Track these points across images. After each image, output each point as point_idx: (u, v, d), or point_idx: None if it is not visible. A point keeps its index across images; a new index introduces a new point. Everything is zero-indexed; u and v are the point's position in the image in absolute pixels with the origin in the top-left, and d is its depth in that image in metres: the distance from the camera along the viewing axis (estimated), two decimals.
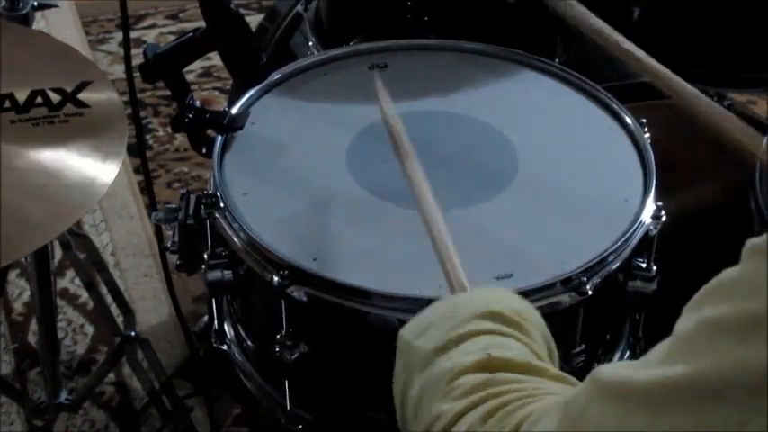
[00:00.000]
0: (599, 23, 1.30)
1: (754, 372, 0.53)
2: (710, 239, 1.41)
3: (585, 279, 1.10)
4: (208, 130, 1.29)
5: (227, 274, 1.21)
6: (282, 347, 1.15)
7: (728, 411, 0.55)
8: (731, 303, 0.56)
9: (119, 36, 2.70)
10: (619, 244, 1.14)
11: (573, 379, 0.77)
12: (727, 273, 0.58)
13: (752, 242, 0.57)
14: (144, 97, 2.46)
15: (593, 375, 0.63)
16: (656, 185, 1.21)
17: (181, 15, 2.83)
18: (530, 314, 0.83)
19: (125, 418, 1.77)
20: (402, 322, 1.07)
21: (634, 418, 0.58)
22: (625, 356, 1.27)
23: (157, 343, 1.76)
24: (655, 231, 1.18)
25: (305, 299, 1.11)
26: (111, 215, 2.18)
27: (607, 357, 1.26)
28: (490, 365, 0.74)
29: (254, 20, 2.00)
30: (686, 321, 0.59)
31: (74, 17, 2.78)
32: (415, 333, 0.82)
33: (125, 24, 1.35)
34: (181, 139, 2.37)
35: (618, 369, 0.62)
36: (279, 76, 1.39)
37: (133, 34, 2.61)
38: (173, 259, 1.31)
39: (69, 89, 1.23)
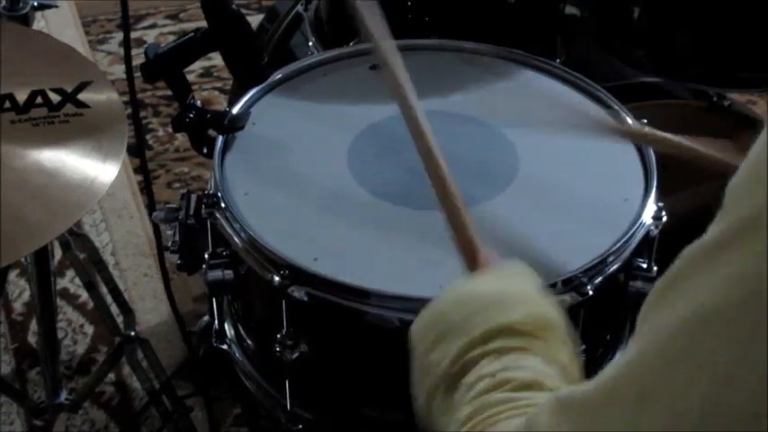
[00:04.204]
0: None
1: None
2: None
3: (586, 279, 1.10)
4: (209, 130, 1.29)
5: (228, 273, 1.21)
6: (283, 347, 1.15)
7: (655, 413, 0.57)
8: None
9: (119, 36, 2.70)
10: (619, 244, 1.14)
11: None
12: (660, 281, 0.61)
13: (691, 247, 0.59)
14: (144, 97, 2.46)
15: (553, 393, 0.67)
16: (657, 185, 1.21)
17: (181, 15, 2.83)
18: (542, 314, 0.82)
19: (125, 418, 1.77)
20: (402, 322, 1.08)
21: (577, 428, 0.62)
22: None
23: (157, 343, 1.76)
24: (656, 231, 1.18)
25: (305, 298, 1.11)
26: (111, 215, 2.18)
27: (607, 357, 1.26)
28: (496, 386, 0.75)
29: (254, 20, 2.00)
30: (633, 343, 0.62)
31: (74, 17, 2.78)
32: (428, 340, 0.81)
33: (125, 24, 1.35)
34: (181, 139, 2.37)
35: (572, 386, 0.66)
36: (279, 76, 1.39)
37: (133, 34, 2.61)
38: (172, 259, 1.31)
39: (69, 89, 1.23)
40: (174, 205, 1.28)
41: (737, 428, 0.55)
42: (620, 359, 0.62)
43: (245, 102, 1.34)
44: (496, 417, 0.73)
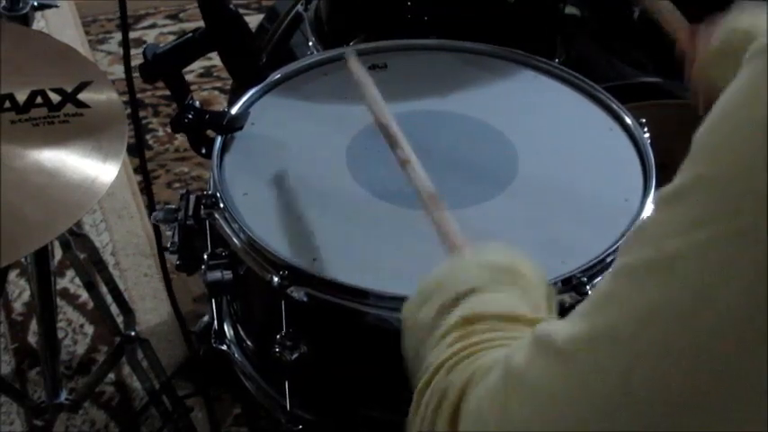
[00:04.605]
0: None
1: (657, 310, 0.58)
2: None
3: (586, 279, 1.10)
4: (207, 130, 1.29)
5: (227, 274, 1.20)
6: (282, 348, 1.15)
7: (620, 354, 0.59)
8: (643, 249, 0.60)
9: (119, 36, 2.70)
10: (619, 244, 1.14)
11: (547, 318, 0.82)
12: (639, 225, 0.64)
13: (661, 191, 0.62)
14: (144, 97, 2.46)
15: (534, 330, 0.68)
16: (656, 185, 1.21)
17: (181, 15, 2.83)
18: (525, 266, 0.86)
19: (125, 418, 1.77)
20: (401, 322, 1.08)
21: (552, 369, 0.64)
22: None
23: (157, 343, 1.76)
24: None
25: (305, 299, 1.11)
26: (111, 215, 2.18)
27: None
28: (473, 319, 0.79)
29: (254, 20, 2.00)
30: (603, 278, 0.65)
31: (74, 17, 2.78)
32: (416, 306, 0.85)
33: (124, 24, 1.35)
34: (181, 139, 2.37)
35: (551, 324, 0.67)
36: (279, 76, 1.39)
37: (133, 34, 2.62)
38: (172, 260, 1.31)
39: (69, 89, 1.23)
40: (173, 206, 1.28)
41: (708, 368, 0.56)
42: (591, 302, 0.64)
43: (244, 102, 1.34)
44: (480, 345, 0.75)
